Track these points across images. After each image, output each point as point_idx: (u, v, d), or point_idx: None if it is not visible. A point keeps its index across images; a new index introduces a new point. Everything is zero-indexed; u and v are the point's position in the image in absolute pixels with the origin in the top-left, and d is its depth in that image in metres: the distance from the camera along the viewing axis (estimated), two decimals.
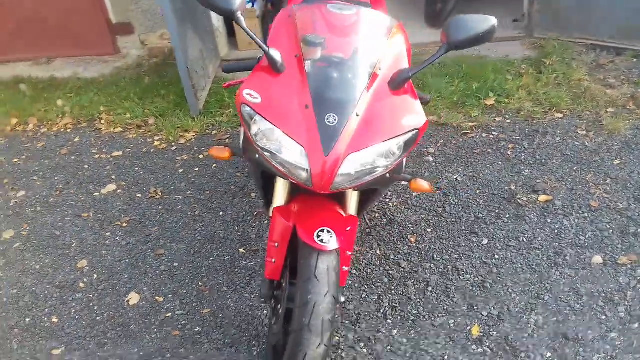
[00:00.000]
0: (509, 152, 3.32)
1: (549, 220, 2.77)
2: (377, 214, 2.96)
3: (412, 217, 2.91)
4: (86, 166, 3.71)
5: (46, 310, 2.62)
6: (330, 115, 1.71)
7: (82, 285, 2.75)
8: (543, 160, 3.20)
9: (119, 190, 3.42)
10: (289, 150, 1.73)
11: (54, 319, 2.57)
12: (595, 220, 2.73)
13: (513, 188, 3.02)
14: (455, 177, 3.17)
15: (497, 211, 2.88)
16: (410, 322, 2.35)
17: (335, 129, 1.70)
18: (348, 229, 1.92)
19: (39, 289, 2.75)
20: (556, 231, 2.70)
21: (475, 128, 3.58)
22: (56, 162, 3.80)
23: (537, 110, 3.64)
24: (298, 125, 1.72)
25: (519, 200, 2.92)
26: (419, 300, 2.44)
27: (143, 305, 2.59)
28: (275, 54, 1.81)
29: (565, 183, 3.00)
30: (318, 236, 1.79)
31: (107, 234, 3.08)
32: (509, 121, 3.61)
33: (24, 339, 2.49)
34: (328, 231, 1.81)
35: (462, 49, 1.86)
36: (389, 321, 2.36)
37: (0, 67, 5.16)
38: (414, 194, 3.08)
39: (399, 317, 2.37)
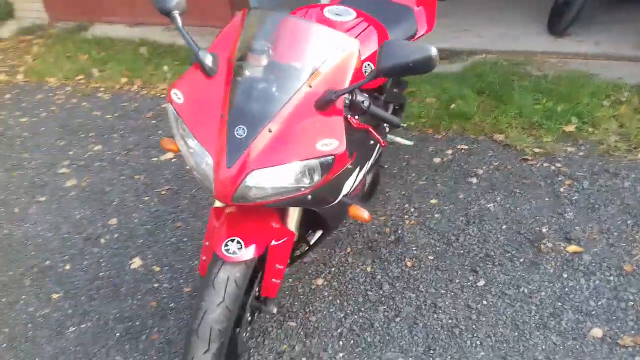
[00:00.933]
0: (561, 189, 2.95)
1: (565, 276, 2.44)
2: (387, 229, 2.83)
3: (421, 240, 2.74)
4: (160, 132, 4.00)
5: (65, 257, 2.92)
6: (240, 128, 1.67)
7: (103, 241, 3.01)
8: (596, 206, 2.80)
9: (173, 159, 3.65)
10: (199, 157, 1.73)
11: (67, 267, 2.85)
12: (618, 287, 2.35)
13: (544, 230, 2.69)
14: (488, 206, 2.90)
15: (512, 252, 2.59)
16: (360, 349, 2.24)
17: (242, 143, 1.66)
18: (278, 242, 1.88)
19: (68, 237, 3.07)
20: (567, 289, 2.37)
21: (539, 155, 3.23)
22: (138, 124, 4.14)
23: (620, 147, 3.17)
24: (210, 134, 1.71)
25: (542, 246, 2.60)
26: (380, 329, 2.31)
27: (140, 271, 2.77)
28: (207, 57, 1.79)
29: (608, 237, 2.60)
30: (226, 245, 1.78)
31: (146, 198, 3.32)
32: (581, 154, 3.19)
33: (37, 278, 2.80)
34: (239, 242, 1.79)
35: (394, 76, 1.70)
36: (340, 343, 2.28)
37: (134, 29, 5.70)
38: (435, 214, 2.89)
39: (352, 342, 2.27)
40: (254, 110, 1.70)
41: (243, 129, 1.67)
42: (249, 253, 1.79)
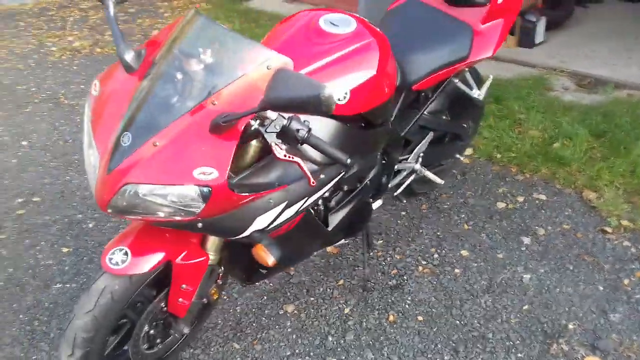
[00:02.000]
0: (626, 281, 2.32)
1: None
2: (394, 271, 2.48)
3: (422, 294, 2.35)
4: None
5: (95, 216, 3.05)
6: (126, 135, 1.52)
7: None
8: None
9: None
10: (91, 156, 1.62)
11: (90, 225, 2.98)
12: None
13: (570, 327, 2.14)
14: (523, 276, 2.39)
15: (514, 342, 2.10)
16: None
17: (125, 151, 1.51)
18: (186, 261, 1.73)
19: None
20: None
21: (624, 230, 2.57)
22: None
23: None
24: (105, 134, 1.58)
25: (555, 345, 2.06)
26: None
27: None
28: (129, 53, 1.65)
29: None
30: (112, 254, 1.67)
31: None
32: None
33: (64, 229, 2.96)
34: (125, 253, 1.67)
35: (281, 110, 1.41)
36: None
37: (290, 5, 5.79)
38: (456, 268, 2.46)
39: None
40: (145, 118, 1.53)
41: (129, 136, 1.52)
42: (134, 267, 1.65)
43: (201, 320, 2.13)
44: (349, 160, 1.63)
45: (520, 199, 2.89)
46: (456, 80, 2.48)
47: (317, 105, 1.34)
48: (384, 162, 2.31)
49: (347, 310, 2.31)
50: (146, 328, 1.87)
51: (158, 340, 1.95)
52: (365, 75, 1.85)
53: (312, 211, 2.02)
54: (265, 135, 1.59)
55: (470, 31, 2.35)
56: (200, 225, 1.58)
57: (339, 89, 1.78)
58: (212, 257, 1.81)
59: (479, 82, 2.66)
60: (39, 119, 4.02)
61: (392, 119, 2.23)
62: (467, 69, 2.50)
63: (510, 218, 2.76)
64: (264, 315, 2.31)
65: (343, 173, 1.88)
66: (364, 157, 2.04)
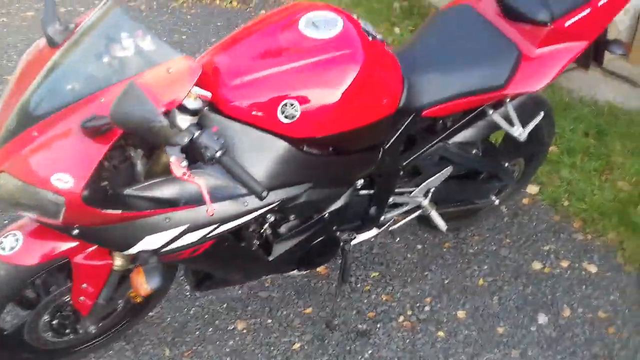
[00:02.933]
0: None
1: None
2: (371, 313, 2.18)
3: (387, 350, 2.04)
4: None
5: None
6: (15, 117, 1.42)
7: None
8: None
9: None
10: None
11: None
12: None
13: None
14: None
15: None
16: None
17: (8, 134, 1.41)
18: (87, 260, 1.65)
19: None
20: None
21: None
22: None
23: None
24: (6, 106, 1.48)
25: None
26: None
27: None
28: (54, 26, 1.48)
29: None
30: (5, 237, 1.62)
31: None
32: None
33: None
34: (17, 240, 1.60)
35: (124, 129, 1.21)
36: None
37: None
38: (441, 331, 2.09)
39: None
40: (34, 103, 1.42)
41: (15, 119, 1.42)
42: (20, 257, 1.59)
43: (133, 319, 2.03)
44: (265, 193, 1.40)
45: (565, 264, 2.38)
46: (490, 112, 2.04)
47: (148, 131, 1.17)
48: (372, 191, 1.99)
49: (296, 346, 2.07)
50: (47, 317, 1.81)
51: (67, 331, 1.89)
52: (326, 96, 1.56)
53: (251, 235, 1.80)
54: (166, 147, 1.41)
55: (517, 55, 1.89)
56: (76, 232, 1.45)
57: (290, 107, 1.52)
58: (118, 262, 1.67)
59: (534, 112, 2.15)
60: None
61: (388, 145, 1.89)
62: (509, 100, 2.04)
63: (539, 285, 2.28)
64: (212, 325, 2.16)
65: (278, 203, 1.63)
66: (323, 186, 1.75)
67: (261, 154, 1.56)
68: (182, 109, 1.40)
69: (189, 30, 4.55)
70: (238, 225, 1.59)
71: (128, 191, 1.44)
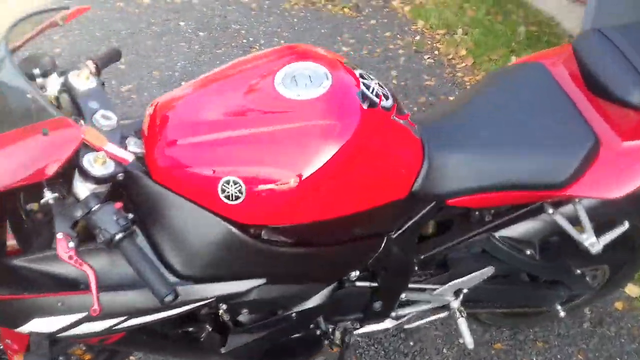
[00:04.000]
0: None
1: None
2: None
3: None
4: None
5: None
6: None
7: None
8: None
9: None
10: None
11: None
12: None
13: None
14: None
15: None
16: None
17: None
18: None
19: None
20: None
21: None
22: None
23: None
24: None
25: None
26: None
27: None
28: None
29: None
30: None
31: None
32: None
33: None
34: None
35: None
36: None
37: None
38: None
39: None
40: None
41: None
42: None
43: None
44: (170, 297, 1.08)
45: None
46: (551, 210, 1.52)
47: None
48: (374, 284, 1.57)
49: None
50: None
51: None
52: (283, 179, 1.19)
53: (202, 317, 1.47)
54: (55, 219, 1.13)
55: (593, 144, 1.38)
56: None
57: (232, 186, 1.18)
58: None
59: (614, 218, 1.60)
60: (218, 63, 3.96)
61: (396, 234, 1.47)
62: (579, 199, 1.51)
63: None
64: None
65: (212, 300, 1.29)
66: (285, 282, 1.38)
67: (195, 236, 1.23)
68: (86, 174, 1.10)
69: (290, 35, 4.31)
70: (154, 320, 1.26)
71: (17, 261, 1.18)
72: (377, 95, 1.28)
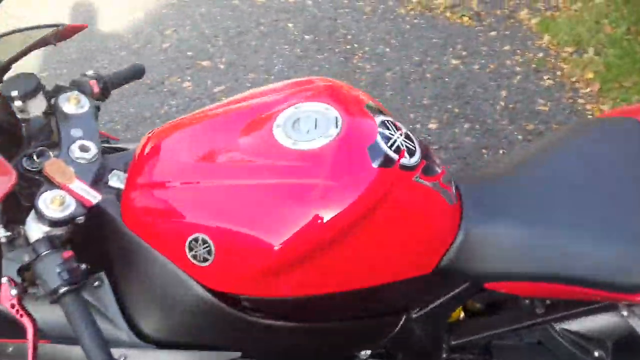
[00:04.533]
0: None
1: None
2: None
3: None
4: None
5: None
6: None
7: None
8: None
9: None
10: None
11: None
12: None
13: None
14: None
15: None
16: None
17: None
18: None
19: None
20: None
21: None
22: None
23: None
24: None
25: None
26: None
27: None
28: None
29: None
30: None
31: None
32: None
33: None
34: None
35: None
36: None
37: None
38: None
39: None
40: None
41: None
42: None
43: None
44: None
45: None
46: (624, 312, 1.18)
47: None
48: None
49: None
50: None
51: None
52: (258, 242, 1.00)
53: None
54: (1, 261, 1.03)
55: None
56: None
57: (200, 246, 1.01)
58: None
59: None
60: (317, 69, 3.81)
61: (418, 313, 1.23)
62: None
63: None
64: None
65: None
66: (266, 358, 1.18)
67: (162, 294, 1.07)
68: (40, 214, 0.98)
69: (397, 44, 4.06)
70: None
71: None
72: (397, 151, 1.03)
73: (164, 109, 3.39)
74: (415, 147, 1.07)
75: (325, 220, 0.95)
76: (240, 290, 1.02)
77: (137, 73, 1.36)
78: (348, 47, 4.04)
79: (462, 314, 1.41)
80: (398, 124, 1.10)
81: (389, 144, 1.02)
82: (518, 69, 3.71)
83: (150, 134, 1.17)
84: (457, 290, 1.17)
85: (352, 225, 0.98)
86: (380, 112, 1.09)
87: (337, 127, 1.01)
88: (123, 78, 1.33)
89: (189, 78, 3.70)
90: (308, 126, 1.02)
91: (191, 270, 1.01)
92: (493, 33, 4.16)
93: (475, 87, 3.52)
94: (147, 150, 1.12)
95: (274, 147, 1.00)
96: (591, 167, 1.18)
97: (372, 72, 3.72)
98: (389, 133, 1.04)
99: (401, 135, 1.06)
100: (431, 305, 1.20)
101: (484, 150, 2.99)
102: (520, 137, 3.09)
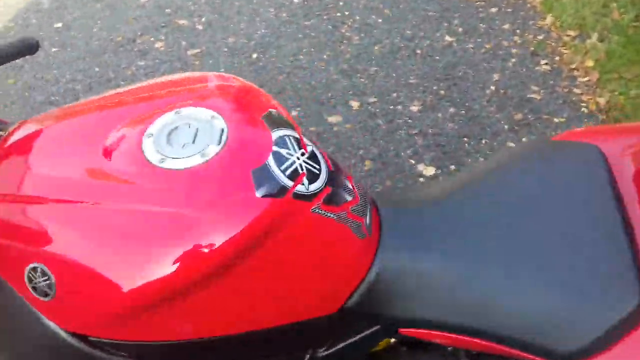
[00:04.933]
0: None
1: None
2: None
3: None
4: None
5: None
6: None
7: None
8: None
9: None
10: None
11: None
12: None
13: None
14: None
15: None
16: None
17: None
18: None
19: None
20: None
21: None
22: None
23: None
24: None
25: None
26: None
27: None
28: None
29: None
30: None
31: None
32: None
33: None
34: None
35: None
36: None
37: None
38: None
39: None
40: None
41: None
42: None
43: None
44: None
45: None
46: None
47: None
48: None
49: None
50: None
51: None
52: (104, 280, 0.82)
53: None
54: None
55: (637, 306, 0.85)
56: None
57: (40, 277, 0.84)
58: None
59: None
60: (300, 36, 3.57)
61: (326, 351, 1.06)
62: None
63: None
64: None
65: None
66: None
67: (13, 330, 0.90)
68: None
69: (390, 14, 3.82)
70: None
71: None
72: (292, 175, 0.84)
73: (130, 70, 3.18)
74: (320, 171, 0.89)
75: (187, 262, 0.77)
76: (92, 332, 0.85)
77: (27, 48, 1.16)
78: (338, 14, 3.79)
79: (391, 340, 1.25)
80: (304, 140, 0.91)
81: (282, 167, 0.83)
82: (515, 51, 3.47)
83: (18, 125, 0.98)
84: (366, 333, 1.01)
85: (228, 265, 0.80)
86: (282, 125, 0.90)
87: (219, 142, 0.82)
88: (10, 54, 1.14)
89: (162, 37, 3.47)
90: (185, 139, 0.83)
91: (34, 303, 0.85)
92: (494, 9, 3.89)
93: (466, 68, 3.29)
94: (4, 146, 0.94)
95: (138, 163, 0.81)
96: (541, 200, 1.00)
97: (359, 44, 3.48)
98: (287, 153, 0.85)
99: (303, 155, 0.87)
100: (340, 344, 1.04)
101: (465, 139, 2.78)
102: (506, 126, 2.87)
